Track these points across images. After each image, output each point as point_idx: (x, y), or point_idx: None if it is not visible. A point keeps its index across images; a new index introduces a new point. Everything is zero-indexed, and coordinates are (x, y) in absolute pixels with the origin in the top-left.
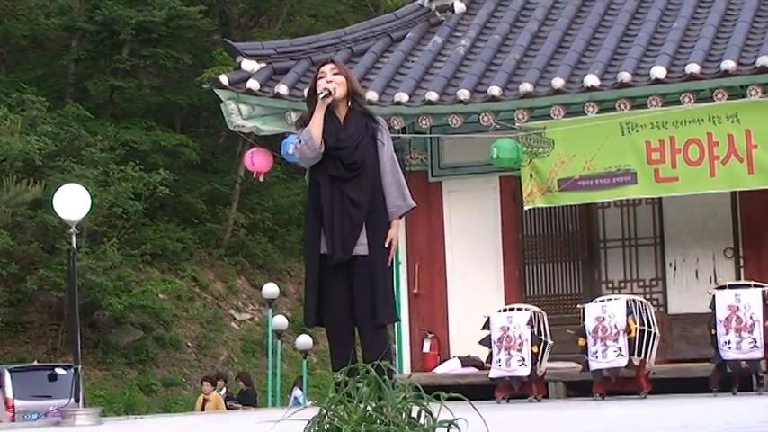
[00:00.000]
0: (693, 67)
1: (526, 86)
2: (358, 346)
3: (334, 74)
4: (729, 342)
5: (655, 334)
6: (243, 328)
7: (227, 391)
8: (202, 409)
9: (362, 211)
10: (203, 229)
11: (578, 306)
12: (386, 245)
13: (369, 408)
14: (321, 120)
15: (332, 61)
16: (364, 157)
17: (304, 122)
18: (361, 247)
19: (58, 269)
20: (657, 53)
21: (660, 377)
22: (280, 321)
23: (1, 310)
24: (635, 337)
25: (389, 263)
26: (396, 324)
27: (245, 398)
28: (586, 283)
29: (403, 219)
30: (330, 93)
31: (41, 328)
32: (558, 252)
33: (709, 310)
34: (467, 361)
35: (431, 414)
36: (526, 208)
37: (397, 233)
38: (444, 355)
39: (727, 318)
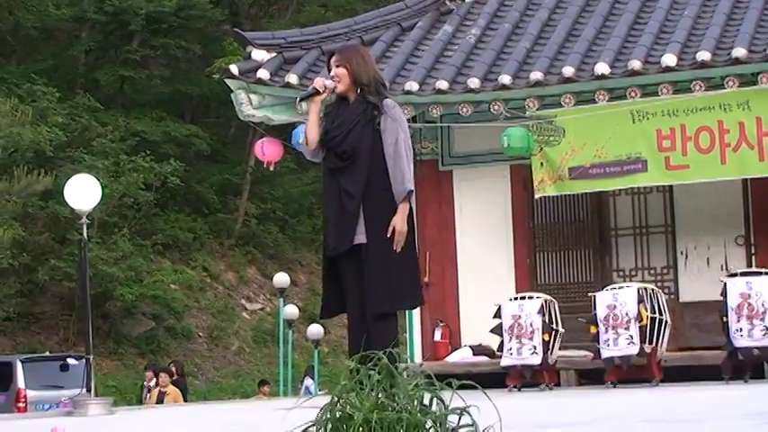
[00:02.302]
0: (704, 55)
1: (537, 75)
2: None
3: (336, 66)
4: (741, 330)
5: (666, 322)
6: (254, 318)
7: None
8: (160, 403)
9: (355, 201)
10: (214, 219)
11: (589, 294)
12: (388, 232)
13: (380, 395)
14: (314, 119)
15: (335, 52)
16: (355, 146)
17: (326, 114)
18: (360, 236)
19: (69, 260)
20: (668, 41)
21: (672, 365)
22: (291, 311)
23: (13, 301)
24: (646, 324)
25: (397, 249)
26: (407, 312)
27: (176, 387)
28: (597, 271)
29: (413, 206)
30: (317, 91)
31: (53, 318)
32: (569, 240)
33: (721, 298)
34: (478, 349)
35: (443, 401)
36: (537, 196)
37: (403, 219)
38: (455, 344)
39: (738, 305)
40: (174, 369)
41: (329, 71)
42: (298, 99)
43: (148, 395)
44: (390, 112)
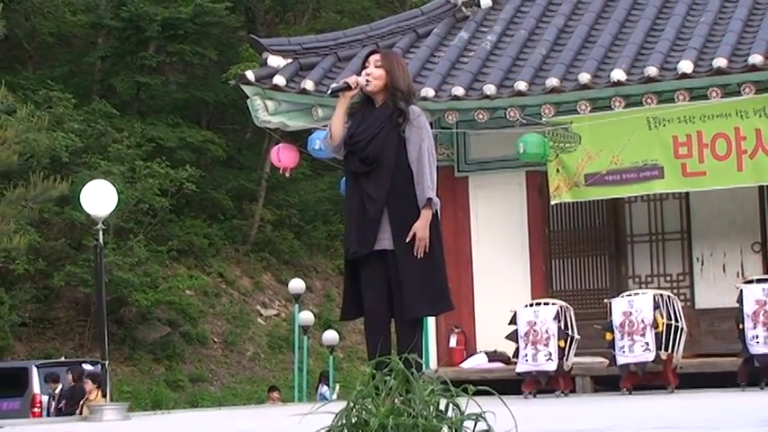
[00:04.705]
0: (720, 62)
1: (553, 81)
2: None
3: (376, 66)
4: (757, 336)
5: (682, 329)
6: (269, 323)
7: (61, 389)
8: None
9: (378, 207)
10: (230, 225)
11: (605, 301)
12: (408, 238)
13: (396, 401)
14: (341, 114)
15: (377, 52)
16: (378, 152)
17: (351, 114)
18: (384, 242)
19: (84, 265)
20: (684, 47)
21: (687, 372)
22: (306, 317)
23: (28, 307)
24: (662, 331)
25: (418, 255)
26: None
27: (72, 395)
28: (613, 277)
29: (438, 213)
30: (349, 86)
31: (68, 324)
32: (585, 247)
33: (737, 305)
34: (493, 356)
35: (458, 407)
36: (553, 203)
37: (424, 225)
38: (471, 350)
39: (754, 312)
40: (71, 376)
41: (363, 68)
42: (329, 91)
43: (55, 402)
44: (415, 120)
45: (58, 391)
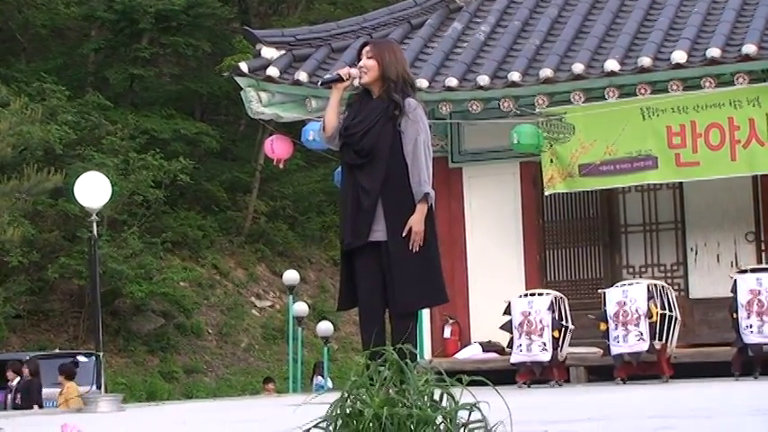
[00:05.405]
0: (714, 52)
1: (546, 72)
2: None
3: (368, 57)
4: (751, 326)
5: (676, 318)
6: (264, 315)
7: (18, 382)
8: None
9: (372, 198)
10: (224, 216)
11: (599, 291)
12: (404, 231)
13: (391, 391)
14: (334, 105)
15: (369, 43)
16: (373, 144)
17: (349, 105)
18: (379, 234)
19: (79, 257)
20: (678, 37)
21: (682, 361)
22: (300, 308)
23: (23, 299)
24: (656, 321)
25: (413, 249)
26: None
27: (28, 389)
28: (607, 267)
29: (433, 206)
30: (340, 78)
31: (63, 316)
32: (579, 237)
33: (731, 295)
34: (488, 346)
35: (453, 397)
36: (547, 193)
37: (420, 219)
38: (465, 341)
39: (748, 302)
40: (27, 369)
41: (358, 61)
42: (320, 83)
43: (11, 395)
44: (411, 113)
45: (15, 383)
